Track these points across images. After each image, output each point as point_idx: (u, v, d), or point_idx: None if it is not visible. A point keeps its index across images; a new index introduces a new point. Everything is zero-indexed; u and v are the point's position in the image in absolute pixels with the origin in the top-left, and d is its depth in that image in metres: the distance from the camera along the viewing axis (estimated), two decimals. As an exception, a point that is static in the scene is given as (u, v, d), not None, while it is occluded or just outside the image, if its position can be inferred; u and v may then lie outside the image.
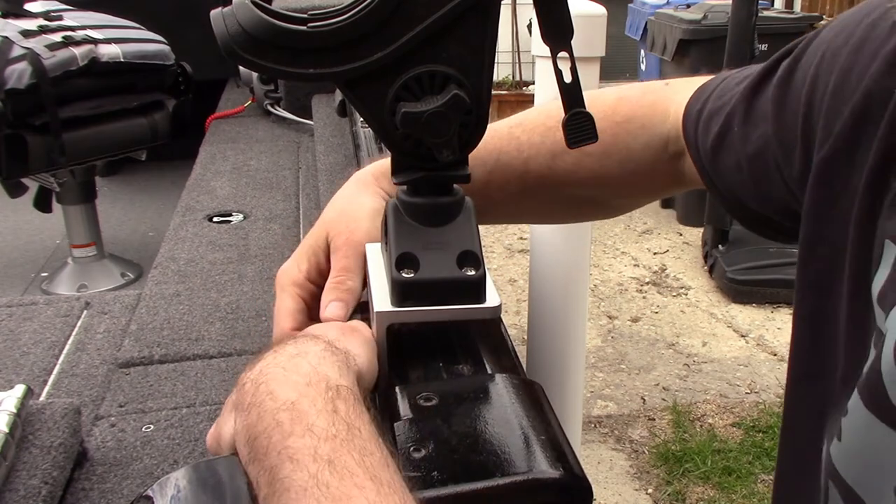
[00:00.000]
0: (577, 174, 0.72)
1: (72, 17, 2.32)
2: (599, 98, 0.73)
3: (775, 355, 2.83)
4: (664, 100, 0.71)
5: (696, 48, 3.73)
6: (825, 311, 0.50)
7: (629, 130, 0.71)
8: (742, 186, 0.62)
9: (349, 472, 0.39)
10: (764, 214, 0.63)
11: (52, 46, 2.14)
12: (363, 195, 0.69)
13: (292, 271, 0.66)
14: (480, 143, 0.56)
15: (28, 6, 2.29)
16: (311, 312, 0.64)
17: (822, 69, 0.52)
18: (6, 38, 2.09)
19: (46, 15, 2.26)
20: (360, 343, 0.54)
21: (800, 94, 0.54)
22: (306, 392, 0.44)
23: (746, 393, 2.63)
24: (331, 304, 0.61)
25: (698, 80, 0.70)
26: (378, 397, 0.57)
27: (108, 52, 2.28)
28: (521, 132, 0.74)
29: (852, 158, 0.48)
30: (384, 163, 0.71)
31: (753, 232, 0.67)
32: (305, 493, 0.38)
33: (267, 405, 0.43)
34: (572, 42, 0.54)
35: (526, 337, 1.96)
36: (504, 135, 0.74)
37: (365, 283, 0.62)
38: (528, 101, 4.61)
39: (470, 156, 0.57)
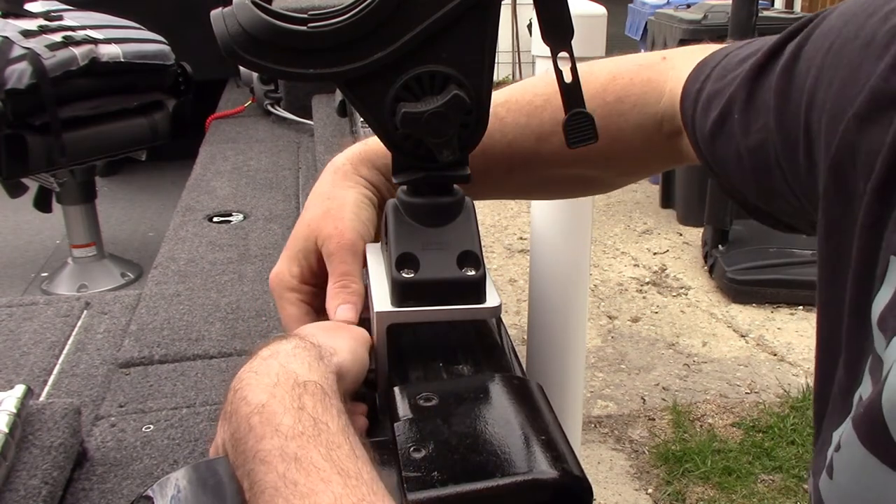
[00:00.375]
0: (564, 156, 0.69)
1: (72, 17, 2.31)
2: (591, 76, 0.69)
3: (775, 355, 2.83)
4: (660, 76, 0.68)
5: (696, 48, 3.71)
6: (834, 326, 0.47)
7: (620, 111, 0.68)
8: (741, 176, 0.59)
9: (315, 467, 0.40)
10: (763, 206, 0.60)
11: (53, 46, 2.14)
12: (343, 188, 0.67)
13: (285, 277, 0.65)
14: None
15: (28, 6, 2.29)
16: (316, 314, 0.64)
17: (829, 61, 0.49)
18: (6, 38, 2.09)
19: (46, 15, 2.26)
20: (343, 338, 0.54)
21: (803, 85, 0.51)
22: (275, 392, 0.44)
23: (746, 393, 2.63)
24: (340, 308, 0.61)
25: (698, 53, 0.67)
26: (378, 397, 0.57)
27: (108, 52, 2.27)
28: (505, 112, 0.71)
29: (855, 164, 0.44)
30: (361, 148, 0.69)
31: (753, 218, 0.64)
32: (276, 493, 0.39)
33: (242, 411, 0.44)
34: (572, 42, 0.55)
35: (526, 337, 1.96)
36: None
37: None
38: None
39: None
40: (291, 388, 0.45)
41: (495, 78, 0.56)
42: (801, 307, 3.10)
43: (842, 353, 0.45)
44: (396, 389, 0.52)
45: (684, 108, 0.64)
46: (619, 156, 0.71)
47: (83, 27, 2.28)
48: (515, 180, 0.76)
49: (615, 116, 0.68)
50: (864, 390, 0.41)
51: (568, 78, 0.56)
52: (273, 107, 2.37)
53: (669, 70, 0.68)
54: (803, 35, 0.53)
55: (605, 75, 0.70)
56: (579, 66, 0.55)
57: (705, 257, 3.45)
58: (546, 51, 0.55)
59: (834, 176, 0.46)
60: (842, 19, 0.50)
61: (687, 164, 0.71)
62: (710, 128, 0.60)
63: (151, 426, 0.93)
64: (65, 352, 1.13)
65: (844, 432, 0.42)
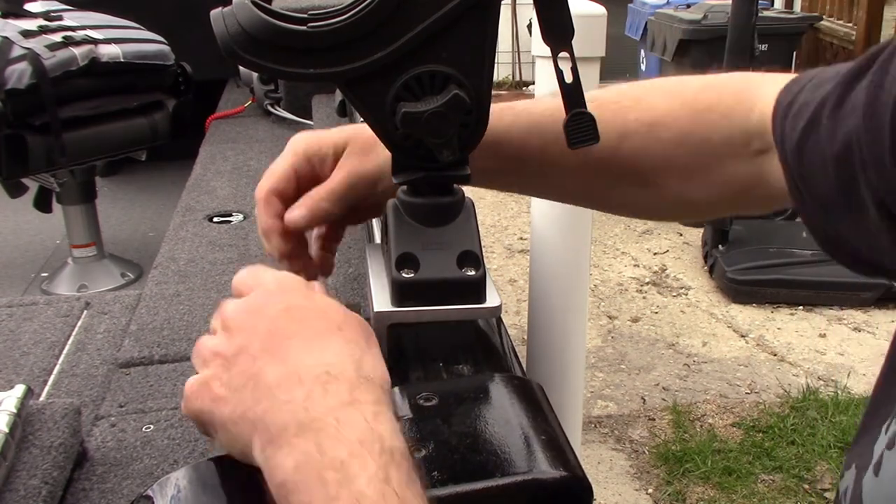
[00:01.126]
0: (646, 154, 0.66)
1: (72, 18, 2.31)
2: (681, 85, 0.67)
3: (775, 355, 2.83)
4: (753, 89, 0.64)
5: (696, 48, 3.73)
6: None
7: (711, 120, 0.65)
8: (825, 189, 0.52)
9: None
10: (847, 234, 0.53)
11: (52, 46, 2.14)
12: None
13: (311, 141, 0.66)
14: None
15: (28, 6, 2.29)
16: (298, 182, 0.65)
17: None
18: (6, 38, 2.09)
19: (46, 15, 2.26)
20: (380, 356, 0.51)
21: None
22: (358, 452, 0.41)
23: (746, 393, 2.63)
24: (296, 210, 0.63)
25: (792, 74, 0.62)
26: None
27: (108, 52, 2.27)
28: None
29: None
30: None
31: (854, 271, 0.55)
32: None
33: (313, 457, 0.41)
34: (573, 42, 0.55)
35: (526, 337, 1.96)
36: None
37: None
38: (528, 101, 4.60)
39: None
40: (378, 453, 0.41)
41: (495, 78, 0.56)
42: (801, 307, 3.10)
43: None
44: (397, 389, 0.52)
45: (775, 120, 0.59)
46: (702, 167, 0.67)
47: (83, 27, 2.28)
48: (582, 179, 0.71)
49: (704, 124, 0.65)
50: None
51: (568, 78, 0.55)
52: (273, 107, 2.37)
53: (761, 85, 0.64)
54: None
55: (697, 85, 0.68)
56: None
57: (705, 257, 3.45)
58: (546, 51, 0.55)
59: None
60: None
61: (774, 200, 0.65)
62: (799, 137, 0.55)
63: (151, 426, 0.92)
64: (65, 352, 1.13)
65: None
